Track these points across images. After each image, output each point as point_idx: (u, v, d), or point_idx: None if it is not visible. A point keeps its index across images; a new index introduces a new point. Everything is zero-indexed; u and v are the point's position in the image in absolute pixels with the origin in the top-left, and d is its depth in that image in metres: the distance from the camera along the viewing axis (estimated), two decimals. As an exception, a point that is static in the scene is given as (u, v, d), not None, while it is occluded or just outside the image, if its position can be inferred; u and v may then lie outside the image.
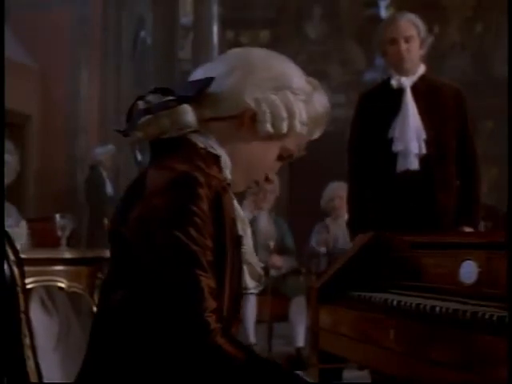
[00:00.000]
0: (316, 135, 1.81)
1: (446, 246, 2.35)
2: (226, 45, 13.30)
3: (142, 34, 10.90)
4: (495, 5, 14.16)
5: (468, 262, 2.16)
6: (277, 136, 1.73)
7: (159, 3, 11.10)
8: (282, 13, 14.79)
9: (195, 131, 1.68)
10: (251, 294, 1.81)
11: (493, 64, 14.52)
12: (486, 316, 1.78)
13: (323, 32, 14.90)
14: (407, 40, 4.08)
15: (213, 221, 1.58)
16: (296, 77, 1.75)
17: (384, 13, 14.18)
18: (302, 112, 1.73)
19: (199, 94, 1.69)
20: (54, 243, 4.19)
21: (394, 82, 4.09)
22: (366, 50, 14.42)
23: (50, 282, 3.73)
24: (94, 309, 3.70)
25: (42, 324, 4.12)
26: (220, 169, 1.67)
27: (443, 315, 1.94)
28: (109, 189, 8.73)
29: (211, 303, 1.54)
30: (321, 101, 1.79)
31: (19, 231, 4.07)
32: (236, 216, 1.69)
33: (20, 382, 1.69)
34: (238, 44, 14.33)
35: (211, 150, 1.67)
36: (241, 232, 1.71)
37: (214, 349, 1.52)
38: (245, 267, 1.74)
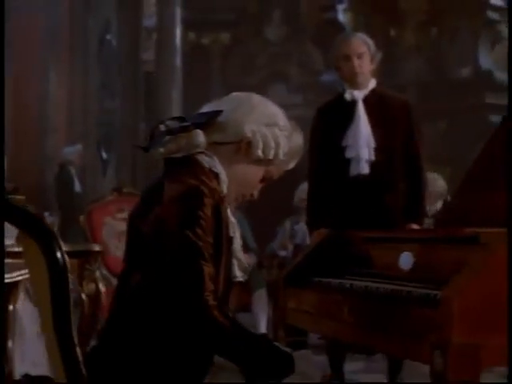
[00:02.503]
0: (291, 165, 2.38)
1: (390, 240, 2.91)
2: (187, 46, 13.61)
3: (108, 36, 11.27)
4: (449, 9, 14.44)
5: (406, 253, 2.71)
6: (264, 161, 2.27)
7: (124, 6, 11.43)
8: (242, 15, 15.04)
9: (201, 152, 2.21)
10: (239, 281, 2.35)
11: (447, 66, 14.67)
12: (417, 294, 2.33)
13: (283, 34, 15.22)
14: (359, 56, 4.46)
15: (213, 223, 2.10)
16: (282, 118, 2.30)
17: (342, 17, 14.54)
18: (284, 144, 2.28)
19: (210, 122, 2.22)
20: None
21: (347, 95, 4.46)
22: (324, 52, 14.43)
23: (45, 273, 4.09)
24: (83, 296, 4.13)
25: (27, 311, 4.46)
26: (218, 183, 2.18)
27: (385, 294, 2.49)
28: (77, 186, 9.19)
29: (210, 286, 2.06)
30: (298, 138, 2.38)
31: (11, 227, 4.42)
32: (229, 221, 2.21)
33: (70, 350, 2.14)
34: (199, 45, 14.48)
35: (213, 169, 2.19)
36: (232, 234, 2.23)
37: (210, 319, 2.05)
38: (234, 261, 2.27)
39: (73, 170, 9.22)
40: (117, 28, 11.15)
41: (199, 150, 2.20)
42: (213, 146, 2.23)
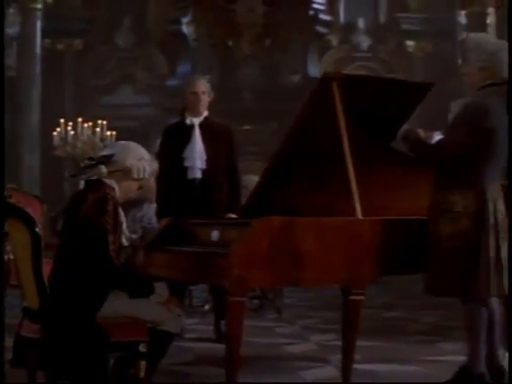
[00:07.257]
0: (152, 179, 4.38)
1: (207, 224, 4.88)
2: (44, 51, 15.05)
3: (-26, 45, 12.57)
4: (282, 23, 16.21)
5: (215, 230, 4.64)
6: (138, 179, 4.23)
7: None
8: (94, 23, 16.46)
9: (104, 176, 4.17)
10: (126, 246, 3.94)
11: (279, 74, 16.62)
12: (219, 252, 4.25)
13: (131, 41, 16.79)
14: (202, 93, 6.09)
15: (113, 215, 4.03)
16: (146, 155, 4.24)
17: (186, 28, 16.00)
18: (148, 169, 4.24)
19: (108, 160, 4.17)
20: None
21: (187, 121, 6.15)
22: (169, 59, 16.45)
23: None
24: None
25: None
26: (114, 193, 4.13)
27: (203, 253, 4.44)
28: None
29: (111, 247, 3.96)
30: (155, 165, 4.30)
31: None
32: (120, 213, 4.19)
33: (41, 280, 4.02)
34: (54, 50, 15.90)
35: (111, 185, 4.16)
36: (121, 220, 4.18)
37: (111, 265, 3.93)
38: (122, 235, 4.22)
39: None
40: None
41: (103, 176, 4.15)
42: (110, 173, 4.15)
